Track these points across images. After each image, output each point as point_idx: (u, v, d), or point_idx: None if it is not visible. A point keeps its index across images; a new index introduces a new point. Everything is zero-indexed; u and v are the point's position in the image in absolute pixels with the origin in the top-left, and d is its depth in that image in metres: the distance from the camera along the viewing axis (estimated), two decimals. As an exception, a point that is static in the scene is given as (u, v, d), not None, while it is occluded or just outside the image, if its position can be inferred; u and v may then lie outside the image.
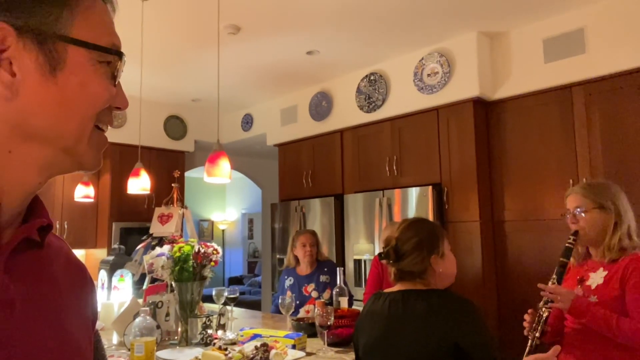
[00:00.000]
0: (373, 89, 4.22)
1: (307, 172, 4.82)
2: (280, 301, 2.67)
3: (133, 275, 2.88)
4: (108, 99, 0.53)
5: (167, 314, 2.47)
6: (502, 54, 3.64)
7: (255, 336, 2.23)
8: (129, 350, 1.86)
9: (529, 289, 3.33)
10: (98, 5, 0.53)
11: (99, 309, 2.74)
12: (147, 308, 2.05)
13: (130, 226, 4.95)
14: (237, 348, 1.98)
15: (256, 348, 1.91)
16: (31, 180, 0.51)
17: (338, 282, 2.67)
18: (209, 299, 2.93)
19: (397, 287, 1.53)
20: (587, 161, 3.16)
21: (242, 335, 2.31)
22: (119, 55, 0.53)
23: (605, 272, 1.70)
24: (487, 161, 3.66)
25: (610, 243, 1.69)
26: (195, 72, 4.35)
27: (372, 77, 4.24)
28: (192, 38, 3.63)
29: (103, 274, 3.21)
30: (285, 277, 3.25)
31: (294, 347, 2.10)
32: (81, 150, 0.52)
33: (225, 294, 2.70)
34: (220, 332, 2.40)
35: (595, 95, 3.16)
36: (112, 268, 3.11)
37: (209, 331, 2.31)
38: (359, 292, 3.82)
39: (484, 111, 3.69)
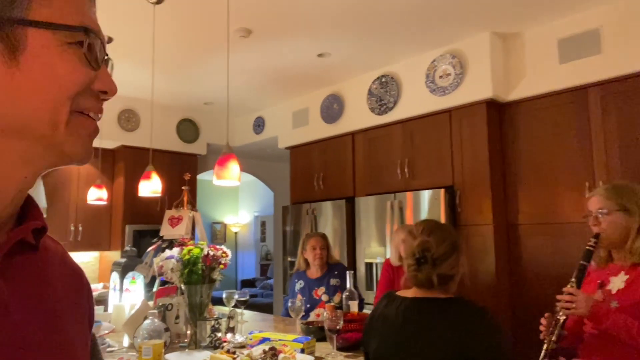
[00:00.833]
0: (384, 91, 4.19)
1: (319, 175, 4.81)
2: (290, 304, 2.66)
3: (144, 277, 2.90)
4: (81, 82, 0.50)
5: (177, 317, 2.47)
6: (515, 54, 3.59)
7: (264, 340, 2.22)
8: (138, 353, 1.86)
9: (543, 292, 3.27)
10: None
11: (110, 311, 2.73)
12: (156, 311, 2.06)
13: (143, 228, 4.99)
14: (245, 351, 1.97)
15: (264, 352, 1.90)
16: (16, 174, 0.49)
17: (348, 285, 2.65)
18: (220, 301, 2.93)
19: (412, 293, 1.49)
20: (603, 163, 3.10)
21: (251, 339, 2.30)
22: (87, 32, 0.49)
23: (627, 276, 1.65)
24: (501, 163, 3.60)
25: (632, 246, 1.65)
26: (207, 75, 4.38)
27: (383, 79, 4.21)
28: (203, 41, 3.65)
29: (115, 276, 3.23)
30: (296, 280, 3.24)
31: (302, 351, 2.08)
32: (59, 139, 0.49)
33: (236, 296, 2.69)
34: (229, 335, 2.39)
35: (612, 96, 3.10)
36: (124, 270, 3.13)
37: (218, 334, 2.30)
38: (370, 296, 3.79)
39: (497, 113, 3.64)
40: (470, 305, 1.41)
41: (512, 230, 3.53)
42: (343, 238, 4.36)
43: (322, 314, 2.72)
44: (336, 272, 3.13)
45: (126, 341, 2.39)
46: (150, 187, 3.06)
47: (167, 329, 2.22)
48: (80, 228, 4.85)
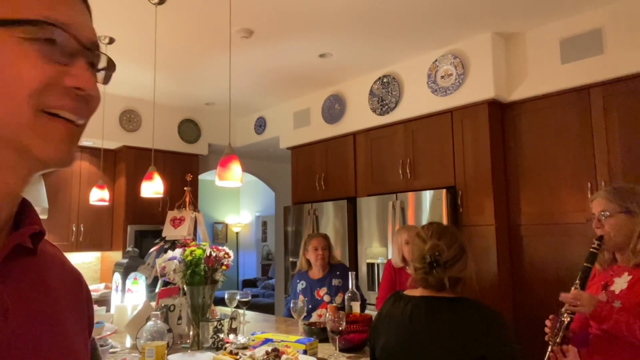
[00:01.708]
0: (386, 92, 4.19)
1: (320, 175, 4.81)
2: (292, 305, 2.66)
3: (146, 278, 2.90)
4: (42, 78, 0.46)
5: (179, 318, 2.47)
6: (517, 55, 3.58)
7: (266, 341, 2.22)
8: (141, 354, 1.86)
9: (545, 293, 3.27)
10: None
11: (112, 311, 2.72)
12: (159, 312, 2.06)
13: (145, 229, 4.99)
14: (248, 352, 1.97)
15: (267, 353, 1.90)
16: (4, 180, 0.48)
17: (350, 286, 2.65)
18: (222, 301, 2.93)
19: (419, 292, 1.49)
20: (605, 164, 3.09)
21: (253, 340, 2.30)
22: (49, 26, 0.46)
23: (630, 277, 1.65)
24: (503, 164, 3.60)
25: (636, 247, 1.65)
26: (209, 76, 4.38)
27: (385, 80, 4.21)
28: (205, 42, 3.65)
29: (117, 277, 3.23)
30: (298, 280, 3.23)
31: (305, 352, 2.08)
32: (25, 142, 0.46)
33: (238, 297, 2.69)
34: (231, 336, 2.39)
35: (614, 97, 3.09)
36: (126, 271, 3.13)
37: (221, 335, 2.30)
38: (372, 297, 3.79)
39: (499, 113, 3.63)
40: (479, 304, 1.42)
41: (514, 231, 3.52)
42: (344, 238, 4.36)
43: (324, 315, 2.73)
44: (338, 273, 3.13)
45: (129, 342, 2.39)
46: (153, 187, 3.06)
47: (169, 330, 2.22)
48: (82, 228, 4.86)
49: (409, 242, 2.75)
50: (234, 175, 2.32)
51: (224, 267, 2.37)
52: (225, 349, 2.14)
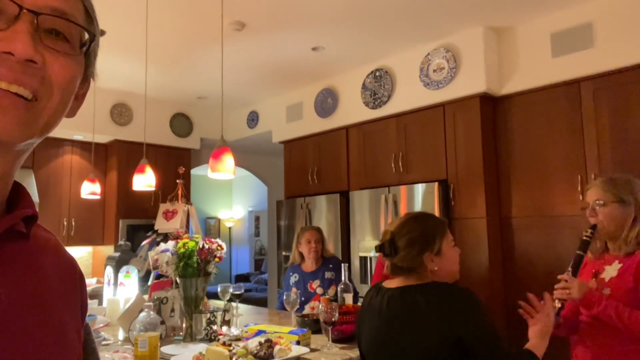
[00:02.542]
0: (378, 85, 4.20)
1: (313, 169, 4.81)
2: (285, 297, 2.66)
3: (138, 271, 2.89)
4: None
5: (172, 310, 2.47)
6: (509, 48, 3.60)
7: (259, 332, 2.23)
8: (134, 345, 1.86)
9: (535, 285, 3.30)
10: None
11: (104, 305, 2.71)
12: (152, 304, 2.06)
13: (136, 223, 4.97)
14: (241, 344, 1.97)
15: (260, 344, 1.91)
16: None
17: (343, 278, 2.66)
18: (214, 296, 2.93)
19: (395, 283, 1.52)
20: (595, 157, 3.12)
21: (246, 331, 2.30)
22: None
23: (620, 265, 1.69)
24: (494, 157, 3.62)
25: (627, 236, 1.68)
26: (201, 69, 4.35)
27: (377, 73, 4.21)
28: (196, 35, 3.63)
29: (109, 270, 3.22)
30: (291, 273, 3.24)
31: (298, 343, 2.09)
32: None
33: (230, 290, 2.69)
34: (224, 328, 2.40)
35: (604, 90, 3.12)
36: (118, 264, 3.13)
37: (214, 327, 2.31)
38: (365, 289, 3.80)
39: (491, 107, 3.66)
40: (451, 286, 1.43)
41: (505, 224, 3.55)
42: (337, 232, 4.37)
43: (317, 307, 2.74)
44: (331, 266, 3.14)
45: (121, 335, 2.39)
46: (145, 180, 3.05)
47: (162, 322, 2.22)
48: (73, 223, 4.83)
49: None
50: (226, 167, 2.32)
51: (216, 260, 2.38)
52: (219, 340, 2.15)
